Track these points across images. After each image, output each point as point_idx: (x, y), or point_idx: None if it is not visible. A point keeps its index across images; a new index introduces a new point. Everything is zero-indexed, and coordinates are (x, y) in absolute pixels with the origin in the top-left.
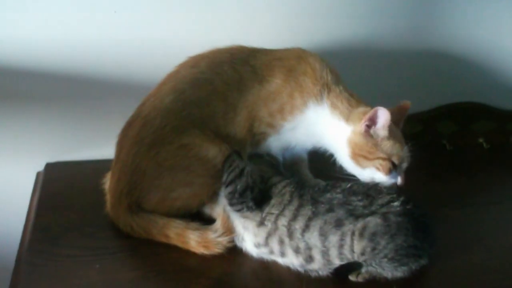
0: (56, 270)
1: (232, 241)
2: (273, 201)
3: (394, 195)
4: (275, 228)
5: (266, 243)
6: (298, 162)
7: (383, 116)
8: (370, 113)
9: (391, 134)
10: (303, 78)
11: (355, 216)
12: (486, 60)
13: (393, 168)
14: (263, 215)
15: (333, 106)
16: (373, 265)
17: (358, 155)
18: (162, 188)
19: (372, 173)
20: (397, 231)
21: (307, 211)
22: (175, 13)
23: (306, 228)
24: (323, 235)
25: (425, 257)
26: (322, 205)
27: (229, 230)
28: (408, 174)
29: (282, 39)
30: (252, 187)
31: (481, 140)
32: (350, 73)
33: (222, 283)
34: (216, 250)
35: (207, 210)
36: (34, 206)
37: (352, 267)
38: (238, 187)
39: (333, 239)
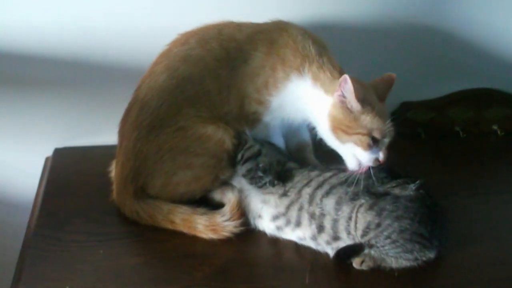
0: (60, 255)
1: (240, 225)
2: (298, 178)
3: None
4: (299, 197)
5: (286, 212)
6: (303, 147)
7: (345, 84)
8: (340, 83)
9: (370, 106)
10: (284, 50)
11: (370, 192)
12: (501, 45)
13: (373, 144)
14: (287, 188)
15: (315, 78)
16: (377, 245)
17: (337, 129)
18: (164, 172)
19: (352, 149)
20: (404, 213)
21: (334, 179)
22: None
23: (326, 194)
24: (339, 204)
25: (432, 250)
26: (349, 177)
27: (237, 215)
28: (420, 162)
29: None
30: (271, 165)
31: (495, 127)
32: (360, 59)
33: (225, 271)
34: (224, 233)
35: (217, 195)
36: (41, 191)
37: (354, 250)
38: (260, 165)
39: (346, 210)
